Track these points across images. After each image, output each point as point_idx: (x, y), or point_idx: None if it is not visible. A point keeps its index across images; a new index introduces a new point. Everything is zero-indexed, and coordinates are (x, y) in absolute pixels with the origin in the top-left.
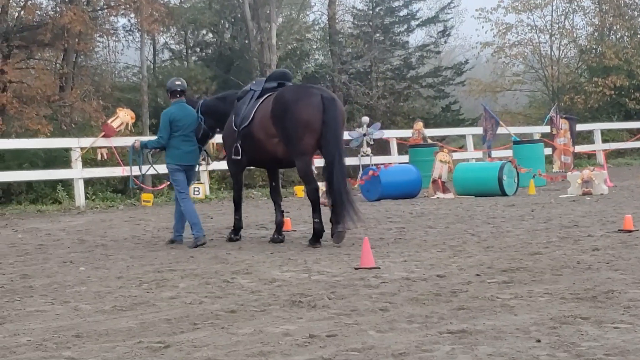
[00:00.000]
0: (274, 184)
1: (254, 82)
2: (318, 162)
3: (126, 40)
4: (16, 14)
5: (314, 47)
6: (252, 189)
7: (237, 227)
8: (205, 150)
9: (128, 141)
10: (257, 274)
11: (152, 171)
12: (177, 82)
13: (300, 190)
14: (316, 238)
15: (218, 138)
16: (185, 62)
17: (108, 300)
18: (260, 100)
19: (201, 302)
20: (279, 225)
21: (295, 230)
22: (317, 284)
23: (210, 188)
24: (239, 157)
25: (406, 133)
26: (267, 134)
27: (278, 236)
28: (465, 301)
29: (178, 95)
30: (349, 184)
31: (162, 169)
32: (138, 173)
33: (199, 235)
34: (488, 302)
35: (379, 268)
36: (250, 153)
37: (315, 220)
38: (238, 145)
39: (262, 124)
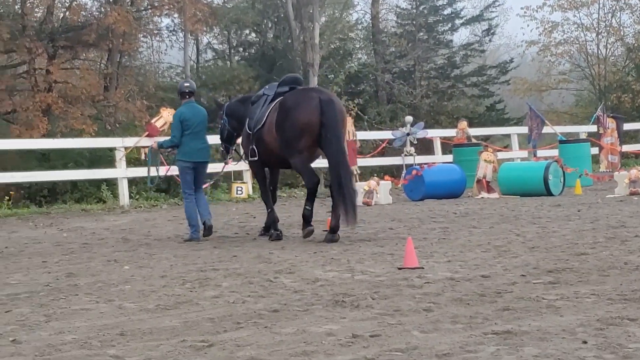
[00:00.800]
0: (271, 187)
1: (267, 86)
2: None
3: (170, 40)
4: (61, 15)
5: (357, 46)
6: (294, 188)
7: (272, 220)
8: (235, 150)
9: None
10: (300, 273)
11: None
12: (186, 84)
13: None
14: (306, 224)
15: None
16: (228, 62)
17: (152, 299)
18: (272, 105)
19: (244, 302)
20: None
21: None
22: (360, 283)
23: (253, 187)
24: (255, 159)
25: (450, 132)
26: (274, 137)
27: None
28: (510, 302)
29: (187, 97)
30: (354, 183)
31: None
32: (155, 174)
33: (193, 237)
34: (533, 302)
35: (423, 268)
36: (264, 155)
37: (307, 207)
38: (253, 147)
39: (270, 128)
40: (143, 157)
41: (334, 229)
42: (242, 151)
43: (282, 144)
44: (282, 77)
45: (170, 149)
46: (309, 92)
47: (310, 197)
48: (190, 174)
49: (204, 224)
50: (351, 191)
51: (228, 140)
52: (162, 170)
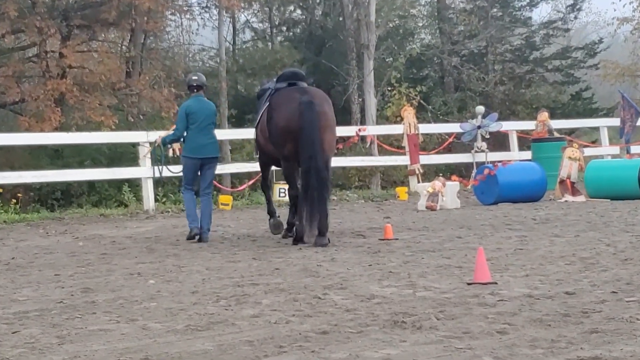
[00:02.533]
0: (269, 184)
1: (273, 79)
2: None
3: (202, 18)
4: None
5: (420, 24)
6: (346, 190)
7: (269, 212)
8: None
9: None
10: (353, 289)
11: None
12: (194, 77)
13: (403, 192)
14: (298, 239)
15: None
16: (269, 43)
17: (181, 318)
18: (266, 103)
19: (288, 322)
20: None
21: (397, 239)
22: (423, 301)
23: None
24: (257, 156)
25: (528, 125)
26: (265, 137)
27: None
28: (598, 323)
29: (195, 90)
30: (327, 194)
31: (236, 167)
32: (161, 168)
33: (192, 228)
34: (626, 324)
35: (496, 283)
36: (261, 153)
37: (296, 222)
38: (255, 143)
39: (262, 128)
40: (171, 154)
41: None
42: None
43: (273, 146)
44: (281, 72)
45: (171, 146)
46: (293, 93)
47: (296, 210)
48: (194, 171)
49: (200, 235)
50: (323, 203)
51: None
52: (162, 167)
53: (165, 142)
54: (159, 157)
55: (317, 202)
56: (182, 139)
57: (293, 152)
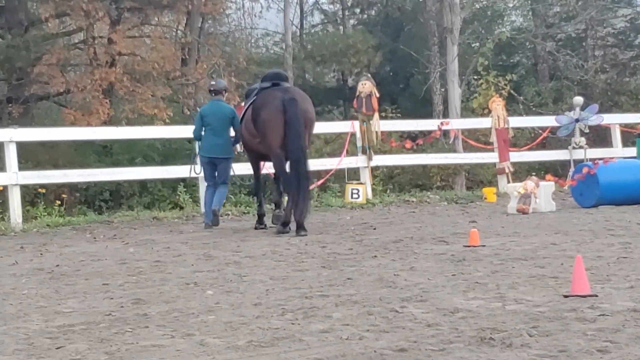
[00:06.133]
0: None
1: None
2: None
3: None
4: None
5: (510, 5)
6: (427, 191)
7: (258, 214)
8: None
9: None
10: (434, 301)
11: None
12: (212, 83)
13: (490, 193)
14: (283, 226)
15: None
16: (341, 27)
17: (242, 333)
18: (250, 101)
19: (361, 338)
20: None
21: (484, 246)
22: (513, 315)
23: (373, 190)
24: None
25: (633, 118)
26: (251, 134)
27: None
28: None
29: (213, 94)
30: (309, 185)
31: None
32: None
33: (206, 222)
34: None
35: (597, 296)
36: (245, 148)
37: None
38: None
39: (247, 124)
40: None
41: (290, 223)
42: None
43: (261, 142)
44: (265, 73)
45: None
46: (275, 92)
47: (283, 201)
48: (209, 168)
49: (213, 211)
50: (307, 191)
51: None
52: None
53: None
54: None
55: (304, 191)
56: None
57: (279, 145)
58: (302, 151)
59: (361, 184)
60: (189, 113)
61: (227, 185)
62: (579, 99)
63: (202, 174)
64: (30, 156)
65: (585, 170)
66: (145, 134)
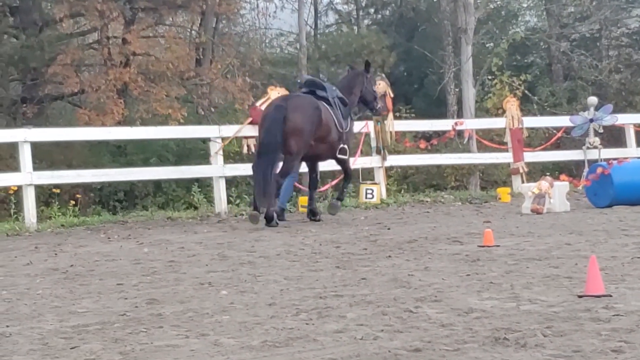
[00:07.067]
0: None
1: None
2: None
3: None
4: None
5: (524, 5)
6: (442, 191)
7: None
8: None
9: None
10: (449, 301)
11: None
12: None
13: (505, 193)
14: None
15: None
16: (355, 27)
17: (257, 333)
18: None
19: (376, 338)
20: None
21: (498, 246)
22: (527, 315)
23: (387, 190)
24: None
25: None
26: None
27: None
28: None
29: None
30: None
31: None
32: None
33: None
34: None
35: (611, 296)
36: None
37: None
38: None
39: None
40: (245, 150)
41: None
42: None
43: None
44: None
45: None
46: (278, 100)
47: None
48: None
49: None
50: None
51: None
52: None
53: None
54: None
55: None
56: None
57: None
58: (272, 149)
59: (375, 184)
60: (203, 113)
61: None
62: (593, 99)
63: None
64: (45, 156)
65: (599, 170)
66: (159, 134)
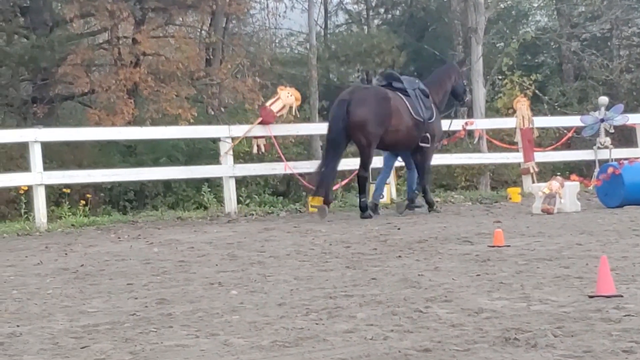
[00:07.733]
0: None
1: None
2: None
3: None
4: None
5: (535, 5)
6: (452, 191)
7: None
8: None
9: (292, 129)
10: (459, 301)
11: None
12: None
13: (515, 193)
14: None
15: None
16: (365, 27)
17: (266, 333)
18: None
19: (386, 338)
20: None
21: (509, 246)
22: (538, 316)
23: (397, 190)
24: None
25: None
26: None
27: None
28: None
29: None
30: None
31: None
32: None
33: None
34: None
35: (622, 296)
36: None
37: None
38: None
39: None
40: (255, 150)
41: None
42: None
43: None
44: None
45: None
46: (345, 91)
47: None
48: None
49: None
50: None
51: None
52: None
53: None
54: None
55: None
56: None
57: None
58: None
59: (386, 183)
60: (213, 113)
61: (411, 170)
62: (604, 99)
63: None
64: (55, 156)
65: (610, 170)
66: (169, 134)
